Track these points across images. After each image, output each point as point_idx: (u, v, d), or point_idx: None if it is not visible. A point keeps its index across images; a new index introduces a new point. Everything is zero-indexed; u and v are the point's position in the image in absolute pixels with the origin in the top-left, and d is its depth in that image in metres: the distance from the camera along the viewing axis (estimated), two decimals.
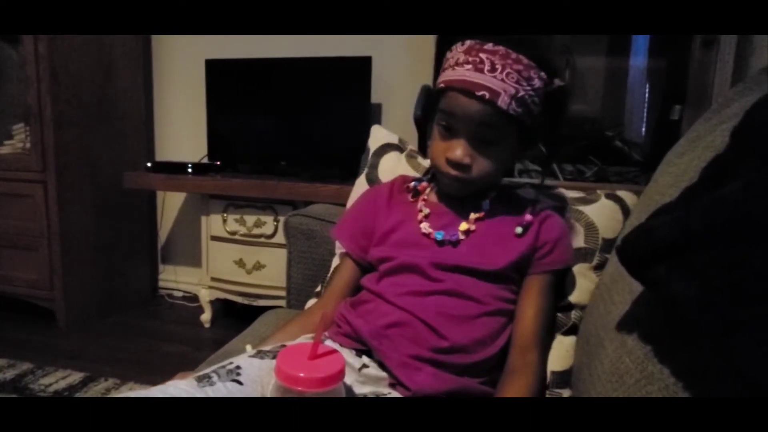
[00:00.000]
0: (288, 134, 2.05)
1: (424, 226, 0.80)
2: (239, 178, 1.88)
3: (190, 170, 1.99)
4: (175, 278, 2.51)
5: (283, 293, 1.25)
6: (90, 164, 2.06)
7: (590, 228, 0.85)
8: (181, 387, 0.58)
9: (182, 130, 2.39)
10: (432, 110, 0.78)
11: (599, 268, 0.83)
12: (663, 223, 0.49)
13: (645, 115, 1.87)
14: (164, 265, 2.53)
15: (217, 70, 2.09)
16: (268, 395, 0.55)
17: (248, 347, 0.74)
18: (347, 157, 1.68)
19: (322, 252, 1.10)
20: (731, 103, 0.67)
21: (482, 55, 0.70)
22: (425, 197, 0.85)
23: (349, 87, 1.94)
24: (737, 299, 0.43)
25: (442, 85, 0.74)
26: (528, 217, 0.79)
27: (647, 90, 1.87)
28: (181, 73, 2.35)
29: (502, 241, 0.78)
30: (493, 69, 0.69)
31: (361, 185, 1.06)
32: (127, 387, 1.59)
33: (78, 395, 1.53)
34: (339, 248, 0.99)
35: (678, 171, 0.65)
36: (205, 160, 2.15)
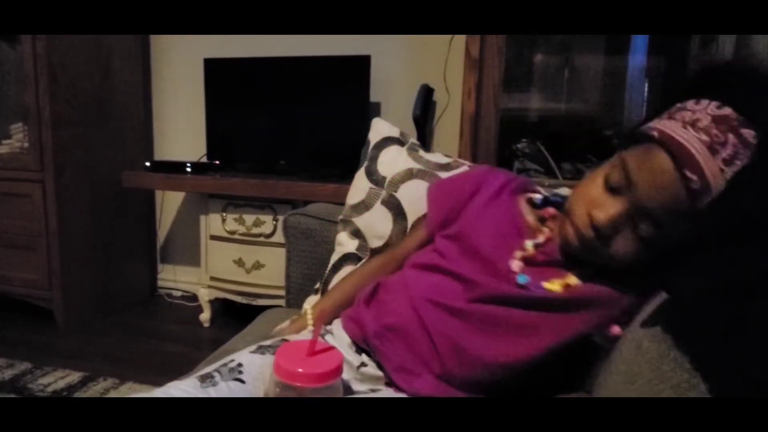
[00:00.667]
0: (287, 133, 2.05)
1: (516, 264, 0.68)
2: (238, 177, 1.88)
3: (188, 169, 1.98)
4: (174, 278, 2.51)
5: (282, 292, 1.25)
6: (88, 164, 2.06)
7: None
8: (183, 388, 0.58)
9: (181, 129, 2.39)
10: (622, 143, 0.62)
11: None
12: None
13: (644, 114, 1.87)
14: (163, 264, 2.53)
15: (215, 70, 2.09)
16: (269, 392, 0.55)
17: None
18: (346, 156, 1.68)
19: (321, 251, 1.10)
20: None
21: (730, 136, 0.52)
22: (543, 230, 0.70)
23: (347, 86, 1.94)
24: (738, 296, 0.43)
25: (655, 133, 0.56)
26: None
27: (646, 89, 1.87)
28: (179, 72, 2.34)
29: None
30: (728, 162, 0.52)
31: (360, 178, 1.05)
32: (126, 387, 1.59)
33: (77, 395, 1.53)
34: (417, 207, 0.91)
35: None
36: (204, 160, 2.14)
